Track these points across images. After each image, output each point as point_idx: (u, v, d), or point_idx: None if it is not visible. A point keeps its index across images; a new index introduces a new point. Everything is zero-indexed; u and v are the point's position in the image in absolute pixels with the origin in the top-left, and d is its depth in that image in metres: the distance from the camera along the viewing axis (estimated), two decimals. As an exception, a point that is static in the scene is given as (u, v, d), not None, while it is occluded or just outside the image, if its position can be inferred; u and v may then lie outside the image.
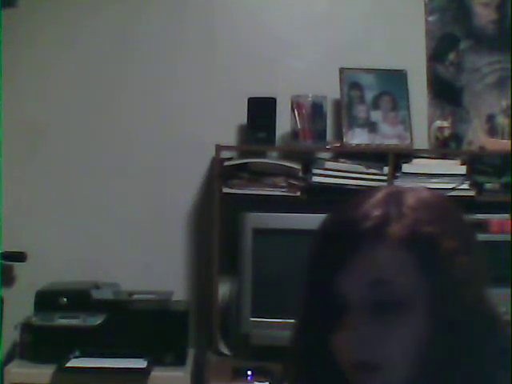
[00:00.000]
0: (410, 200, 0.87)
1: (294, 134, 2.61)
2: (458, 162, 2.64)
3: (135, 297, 2.54)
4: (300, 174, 2.57)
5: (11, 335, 2.54)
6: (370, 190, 0.90)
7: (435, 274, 0.83)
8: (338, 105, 2.75)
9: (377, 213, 0.85)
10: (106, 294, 2.53)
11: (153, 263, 2.76)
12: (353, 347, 0.82)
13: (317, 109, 2.60)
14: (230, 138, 2.75)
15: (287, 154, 2.73)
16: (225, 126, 2.76)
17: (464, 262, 0.85)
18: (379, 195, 0.88)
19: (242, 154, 2.69)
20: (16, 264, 2.73)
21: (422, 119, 2.81)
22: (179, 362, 2.44)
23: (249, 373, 2.34)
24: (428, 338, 0.82)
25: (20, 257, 2.68)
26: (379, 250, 0.83)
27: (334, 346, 0.85)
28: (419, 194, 0.88)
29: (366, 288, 0.83)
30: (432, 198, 0.89)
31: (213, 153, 2.58)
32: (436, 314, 0.82)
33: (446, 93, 2.86)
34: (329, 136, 2.69)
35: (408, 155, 2.64)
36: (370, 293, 0.82)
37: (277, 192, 2.53)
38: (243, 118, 2.62)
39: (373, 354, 0.81)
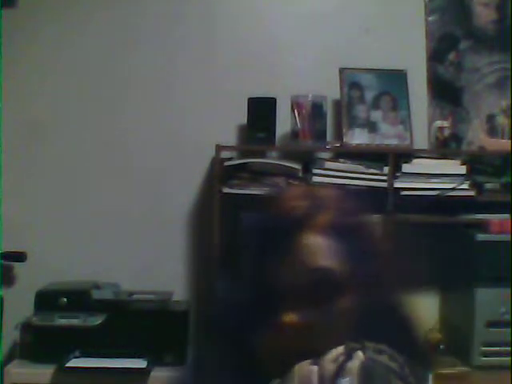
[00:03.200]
0: (328, 194, 0.92)
1: (294, 134, 2.61)
2: (457, 162, 2.64)
3: (135, 297, 2.54)
4: (300, 173, 2.57)
5: (11, 335, 2.55)
6: (284, 189, 0.96)
7: (360, 259, 0.87)
8: (338, 105, 2.75)
9: (303, 202, 0.89)
10: (106, 294, 2.53)
11: (153, 263, 2.76)
12: (295, 334, 0.82)
13: (317, 109, 2.60)
14: (230, 138, 2.75)
15: (287, 154, 2.73)
16: (225, 125, 2.76)
17: (385, 250, 0.90)
18: (297, 192, 0.93)
19: (242, 154, 2.69)
20: (16, 264, 2.73)
21: (422, 119, 2.81)
22: (179, 362, 2.44)
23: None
24: (364, 322, 0.85)
25: (20, 257, 2.68)
26: (309, 237, 0.86)
27: (272, 335, 0.85)
28: (333, 191, 0.95)
29: (305, 275, 0.84)
30: (344, 194, 0.96)
31: (213, 153, 2.58)
32: (366, 298, 0.85)
33: (446, 93, 2.86)
34: (329, 136, 2.69)
35: (408, 155, 2.63)
36: (309, 280, 0.84)
37: (277, 192, 2.53)
38: (243, 118, 2.62)
39: (313, 340, 0.82)
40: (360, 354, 0.80)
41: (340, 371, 0.78)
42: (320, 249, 0.86)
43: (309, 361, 0.81)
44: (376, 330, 0.86)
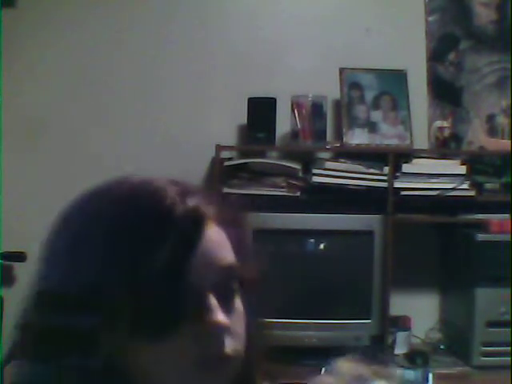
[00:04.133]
0: (186, 186, 0.87)
1: (294, 134, 2.61)
2: (457, 162, 2.64)
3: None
4: (300, 173, 2.57)
5: (11, 335, 2.54)
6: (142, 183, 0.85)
7: (250, 255, 0.84)
8: (338, 105, 2.75)
9: (198, 197, 0.83)
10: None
11: (153, 263, 2.76)
12: (219, 337, 0.74)
13: (317, 109, 2.61)
14: (230, 138, 2.75)
15: (287, 154, 2.73)
16: (225, 126, 2.76)
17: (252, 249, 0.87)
18: (162, 183, 0.85)
19: (242, 154, 2.69)
20: (16, 264, 2.73)
21: (422, 119, 2.81)
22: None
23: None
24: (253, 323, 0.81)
25: (20, 257, 2.68)
26: (212, 231, 0.78)
27: (183, 339, 0.73)
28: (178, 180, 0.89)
29: (219, 273, 0.76)
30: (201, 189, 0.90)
31: (213, 153, 2.58)
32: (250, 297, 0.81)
33: (446, 93, 2.86)
34: (329, 136, 2.69)
35: (408, 155, 2.64)
36: (222, 277, 0.77)
37: (277, 192, 2.53)
38: (243, 118, 2.62)
39: (227, 346, 0.74)
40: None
41: None
42: (223, 243, 0.79)
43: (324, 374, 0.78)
44: None
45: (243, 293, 0.80)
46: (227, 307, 0.76)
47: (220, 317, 0.73)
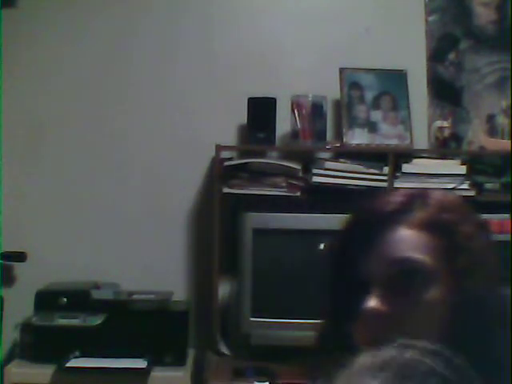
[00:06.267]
0: (434, 194, 0.96)
1: (294, 134, 2.61)
2: (457, 162, 2.64)
3: (135, 297, 2.54)
4: (300, 173, 2.57)
5: (11, 335, 2.55)
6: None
7: (454, 255, 0.89)
8: (338, 105, 2.75)
9: (401, 199, 0.94)
10: (105, 294, 2.53)
11: (153, 263, 2.76)
12: (376, 322, 0.85)
13: (317, 109, 2.60)
14: (230, 138, 2.75)
15: (287, 154, 2.73)
16: (225, 126, 2.76)
17: (479, 247, 0.92)
18: (404, 191, 0.98)
19: (242, 154, 2.69)
20: (16, 264, 2.73)
21: (422, 119, 2.81)
22: (179, 362, 2.44)
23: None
24: (451, 316, 0.86)
25: (20, 257, 2.68)
26: (402, 231, 0.90)
27: (357, 327, 0.88)
28: (443, 193, 0.98)
29: (390, 267, 0.88)
30: (453, 196, 1.00)
31: (213, 153, 2.58)
32: (456, 292, 0.87)
33: (446, 93, 2.86)
34: (329, 136, 2.69)
35: (408, 155, 2.64)
36: (393, 270, 0.88)
37: (277, 192, 2.53)
38: (243, 118, 2.62)
39: (394, 329, 0.84)
40: (404, 352, 0.80)
41: (377, 367, 0.79)
42: (409, 241, 0.89)
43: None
44: (472, 328, 0.87)
45: (438, 287, 0.87)
46: (403, 296, 0.86)
47: (373, 304, 0.86)
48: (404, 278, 0.87)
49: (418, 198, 0.95)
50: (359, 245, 0.91)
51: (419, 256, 0.88)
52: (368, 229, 0.92)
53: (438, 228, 0.91)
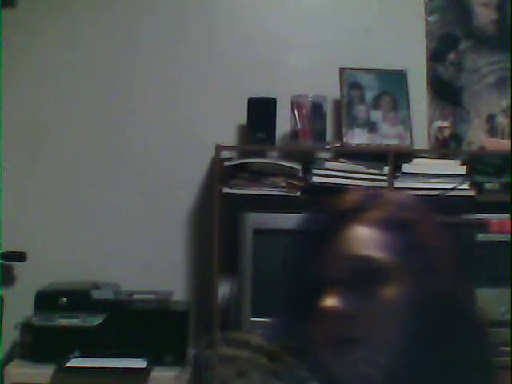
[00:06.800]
0: (391, 194, 0.98)
1: (294, 134, 2.61)
2: (457, 162, 2.64)
3: (135, 297, 2.54)
4: (300, 173, 2.57)
5: (11, 335, 2.55)
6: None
7: (411, 253, 0.89)
8: (338, 105, 2.75)
9: (358, 198, 0.94)
10: (106, 294, 2.53)
11: (153, 263, 2.76)
12: (334, 320, 0.84)
13: (317, 109, 2.60)
14: (230, 138, 2.75)
15: (287, 154, 2.73)
16: (225, 125, 2.76)
17: (436, 247, 0.92)
18: (361, 191, 0.98)
19: (242, 154, 2.69)
20: (16, 264, 2.73)
21: (422, 119, 2.81)
22: (179, 362, 2.44)
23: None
24: (406, 313, 0.86)
25: (20, 257, 2.68)
26: (359, 229, 0.90)
27: (313, 322, 0.87)
28: (399, 193, 0.98)
29: (348, 265, 0.87)
30: (410, 196, 1.01)
31: (213, 153, 2.58)
32: (411, 290, 0.87)
33: (445, 93, 2.86)
34: (329, 136, 2.69)
35: (408, 155, 2.63)
36: (350, 268, 0.87)
37: (277, 192, 2.53)
38: (243, 118, 2.62)
39: (352, 327, 0.84)
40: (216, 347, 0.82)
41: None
42: (367, 239, 0.89)
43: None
44: (437, 324, 0.87)
45: (395, 285, 0.87)
46: (360, 293, 0.86)
47: (330, 303, 0.85)
48: (362, 276, 0.87)
49: (374, 197, 0.95)
50: (317, 243, 0.91)
51: (377, 254, 0.88)
52: (326, 227, 0.92)
53: (395, 226, 0.91)
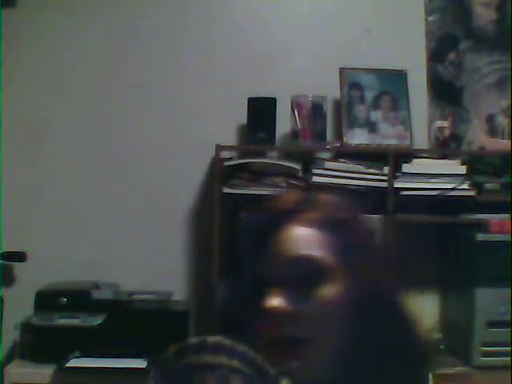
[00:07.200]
0: (327, 195, 0.97)
1: (294, 134, 2.61)
2: (457, 162, 2.64)
3: (135, 297, 2.54)
4: (300, 174, 2.57)
5: (11, 335, 2.55)
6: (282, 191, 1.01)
7: (351, 253, 0.90)
8: (338, 105, 2.75)
9: (296, 199, 0.94)
10: (106, 294, 2.53)
11: (153, 263, 2.76)
12: (277, 320, 0.84)
13: (317, 109, 2.60)
14: (230, 138, 2.75)
15: (287, 154, 2.73)
16: (225, 126, 2.76)
17: (375, 247, 0.94)
18: (299, 192, 1.00)
19: (242, 154, 2.69)
20: (16, 264, 2.73)
21: (422, 119, 2.81)
22: (179, 361, 2.43)
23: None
24: (346, 312, 0.87)
25: (20, 257, 2.68)
26: (299, 229, 0.90)
27: (259, 322, 0.87)
28: (334, 194, 0.99)
29: (288, 263, 0.88)
30: (344, 197, 1.00)
31: (213, 153, 2.58)
32: (350, 289, 0.88)
33: (446, 93, 2.86)
34: (329, 136, 2.69)
35: (408, 155, 2.63)
36: (292, 268, 0.87)
37: (277, 192, 2.53)
38: (243, 118, 2.62)
39: (295, 327, 0.84)
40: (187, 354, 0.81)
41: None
42: (307, 239, 0.89)
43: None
44: (371, 323, 0.88)
45: (335, 284, 0.88)
46: (302, 293, 0.86)
47: (275, 303, 0.85)
48: (303, 275, 0.87)
49: (312, 198, 0.95)
50: (259, 243, 0.91)
51: (317, 253, 0.88)
52: (266, 227, 0.91)
53: (334, 226, 0.91)
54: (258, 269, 0.89)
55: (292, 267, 0.87)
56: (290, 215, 0.91)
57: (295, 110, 2.60)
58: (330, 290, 0.87)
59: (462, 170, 2.59)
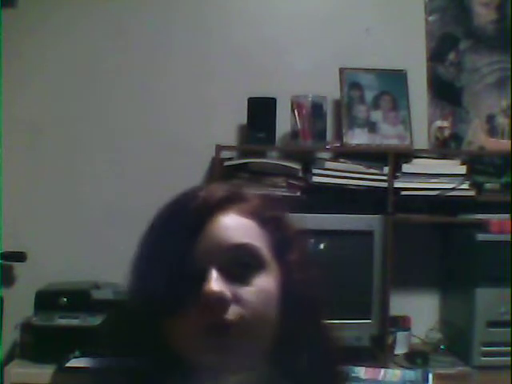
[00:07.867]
0: (252, 191, 0.96)
1: (294, 134, 2.61)
2: (457, 162, 2.64)
3: (135, 297, 2.54)
4: (300, 173, 2.57)
5: (11, 335, 2.55)
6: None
7: (284, 249, 0.91)
8: (338, 105, 2.75)
9: (229, 189, 0.93)
10: (106, 294, 2.53)
11: (153, 263, 2.76)
12: (211, 305, 0.83)
13: (317, 109, 2.60)
14: (230, 137, 2.75)
15: (287, 154, 2.73)
16: (225, 125, 2.76)
17: (302, 246, 0.94)
18: (222, 184, 0.97)
19: (242, 154, 2.69)
20: (16, 264, 2.73)
21: (422, 119, 2.81)
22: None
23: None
24: (281, 301, 0.87)
25: (20, 257, 2.68)
26: (236, 218, 0.90)
27: (193, 314, 0.85)
28: (257, 191, 0.98)
29: (226, 251, 0.86)
30: (267, 196, 1.00)
31: (213, 153, 2.58)
32: (285, 286, 0.89)
33: (445, 93, 2.86)
34: (329, 136, 2.69)
35: (408, 155, 2.64)
36: (230, 255, 0.86)
37: (277, 192, 2.53)
38: (243, 118, 2.62)
39: (230, 311, 0.83)
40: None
41: None
42: (245, 228, 0.89)
43: None
44: (299, 317, 0.89)
45: (269, 275, 0.88)
46: (239, 280, 0.85)
47: (215, 287, 0.83)
48: (241, 263, 0.87)
49: (241, 189, 0.95)
50: (185, 233, 0.89)
51: (256, 243, 0.88)
52: (196, 216, 0.90)
53: (270, 220, 0.91)
54: (190, 257, 0.87)
55: (230, 254, 0.86)
56: (224, 203, 0.90)
57: (295, 110, 2.60)
58: (267, 279, 0.87)
59: (462, 169, 2.59)
